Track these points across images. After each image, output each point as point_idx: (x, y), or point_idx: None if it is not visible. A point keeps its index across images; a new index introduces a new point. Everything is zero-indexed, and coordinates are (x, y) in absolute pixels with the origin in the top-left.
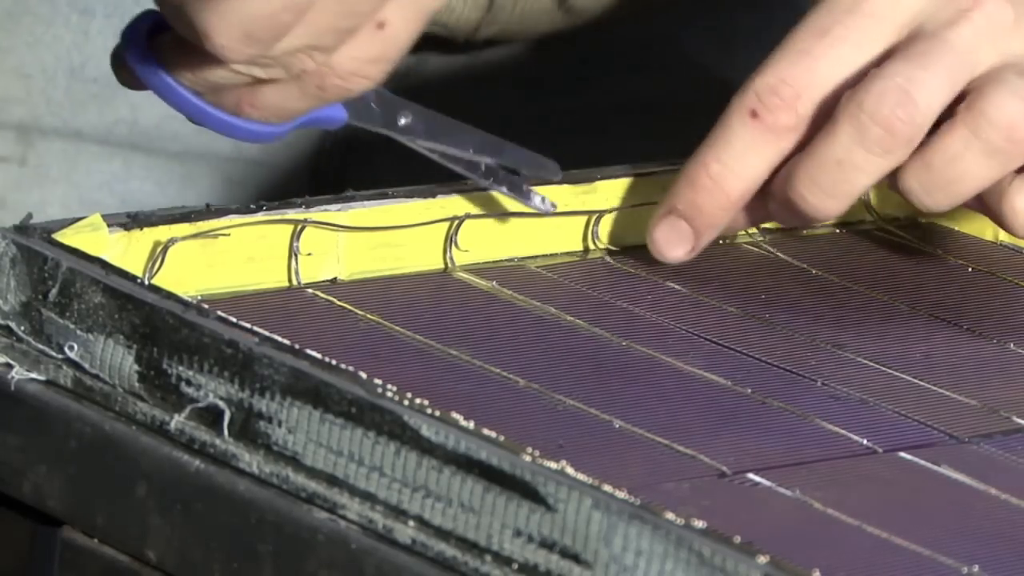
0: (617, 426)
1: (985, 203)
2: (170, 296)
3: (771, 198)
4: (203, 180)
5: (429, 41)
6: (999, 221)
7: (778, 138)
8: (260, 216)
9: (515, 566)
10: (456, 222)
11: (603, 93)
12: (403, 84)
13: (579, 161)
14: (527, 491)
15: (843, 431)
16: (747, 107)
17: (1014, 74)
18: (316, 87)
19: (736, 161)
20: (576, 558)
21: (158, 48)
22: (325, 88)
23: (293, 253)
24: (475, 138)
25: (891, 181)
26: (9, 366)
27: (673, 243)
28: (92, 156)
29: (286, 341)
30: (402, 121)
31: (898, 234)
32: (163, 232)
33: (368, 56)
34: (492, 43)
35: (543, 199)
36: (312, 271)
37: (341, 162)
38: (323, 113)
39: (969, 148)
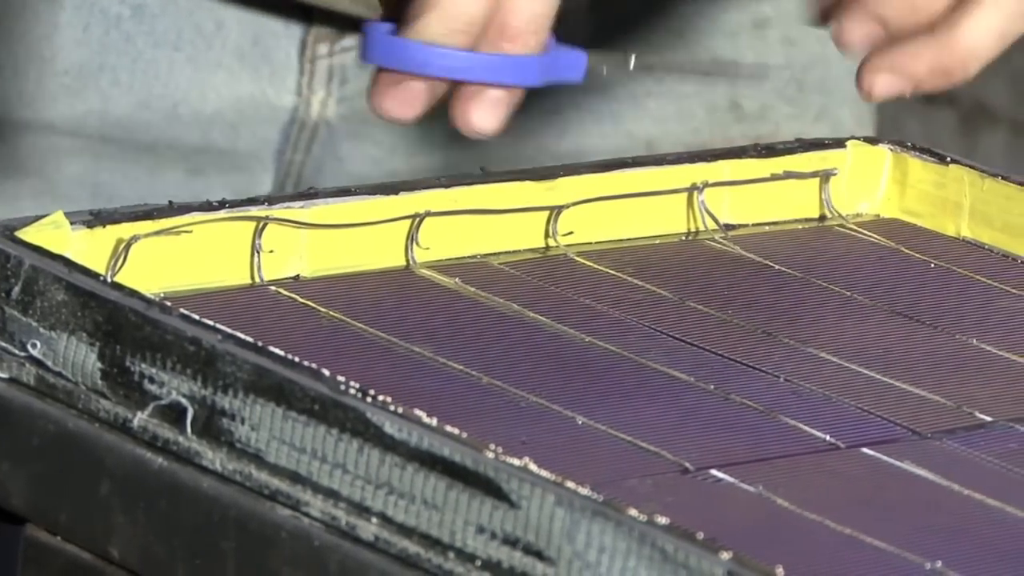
0: (580, 423)
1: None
2: (133, 293)
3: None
4: (172, 172)
5: None
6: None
7: None
8: (222, 213)
9: (478, 563)
10: (417, 220)
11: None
12: None
13: (536, 149)
14: (490, 488)
15: (806, 427)
16: None
17: None
18: None
19: None
20: (539, 555)
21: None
22: None
23: (256, 250)
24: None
25: None
26: None
27: (855, 32)
28: (63, 149)
29: (249, 338)
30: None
31: (860, 230)
32: (126, 229)
33: None
34: None
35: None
36: (275, 268)
37: (307, 152)
38: (564, 71)
39: None
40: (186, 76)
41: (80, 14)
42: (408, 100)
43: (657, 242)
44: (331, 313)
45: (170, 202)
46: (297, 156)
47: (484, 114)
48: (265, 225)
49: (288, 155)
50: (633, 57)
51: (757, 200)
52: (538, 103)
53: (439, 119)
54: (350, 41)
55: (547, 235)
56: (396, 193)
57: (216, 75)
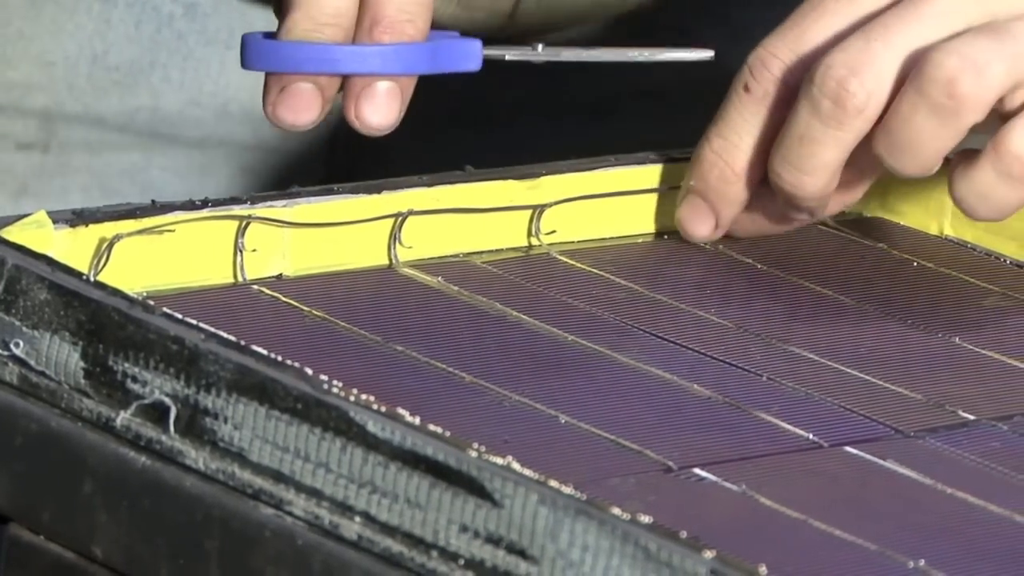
0: (563, 421)
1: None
2: (115, 293)
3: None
4: (221, 168)
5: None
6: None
7: (768, 109)
8: (205, 212)
9: (461, 562)
10: (400, 218)
11: (614, 79)
12: None
13: (587, 145)
14: (473, 487)
15: (788, 426)
16: (741, 81)
17: (971, 33)
18: None
19: (733, 133)
20: (522, 554)
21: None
22: None
23: (238, 249)
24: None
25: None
26: None
27: (695, 221)
28: (113, 144)
29: (232, 337)
30: (540, 47)
31: (843, 229)
32: (108, 229)
33: None
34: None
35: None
36: (257, 267)
37: (356, 150)
38: (457, 61)
39: (917, 108)
40: (237, 74)
41: (132, 11)
42: (298, 105)
43: (640, 241)
44: (314, 312)
45: (153, 201)
46: (346, 154)
47: (375, 109)
48: (248, 224)
49: (339, 153)
50: (540, 47)
51: None
52: (583, 93)
53: (495, 112)
54: None
55: (530, 234)
56: (379, 192)
57: None
